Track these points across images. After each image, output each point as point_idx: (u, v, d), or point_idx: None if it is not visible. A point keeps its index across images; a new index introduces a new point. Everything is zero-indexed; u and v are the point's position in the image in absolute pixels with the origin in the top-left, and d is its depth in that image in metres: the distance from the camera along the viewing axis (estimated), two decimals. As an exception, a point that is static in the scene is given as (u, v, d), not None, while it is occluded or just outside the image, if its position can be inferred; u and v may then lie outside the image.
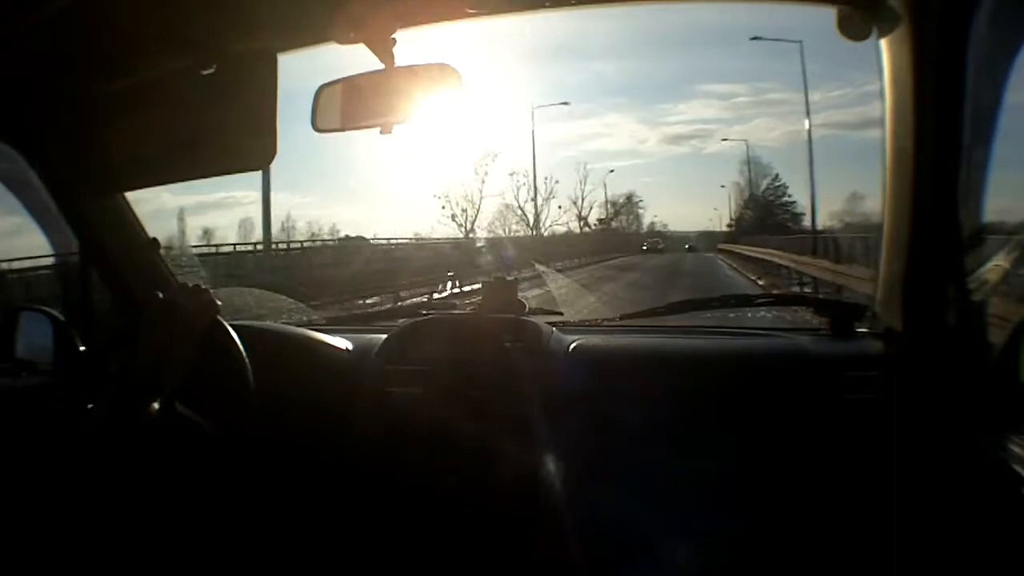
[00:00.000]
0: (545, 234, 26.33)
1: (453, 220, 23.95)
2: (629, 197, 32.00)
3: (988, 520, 0.87)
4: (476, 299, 1.37)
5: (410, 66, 1.03)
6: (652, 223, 32.08)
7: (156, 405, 0.88)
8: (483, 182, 25.34)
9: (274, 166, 0.99)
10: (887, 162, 1.04)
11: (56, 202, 1.23)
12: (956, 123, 0.95)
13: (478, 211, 25.19)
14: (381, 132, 1.08)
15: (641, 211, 32.07)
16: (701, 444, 1.08)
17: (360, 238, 19.97)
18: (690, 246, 27.44)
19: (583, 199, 30.13)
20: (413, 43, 1.05)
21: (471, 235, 24.36)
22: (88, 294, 1.29)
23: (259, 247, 14.39)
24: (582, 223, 29.40)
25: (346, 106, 1.09)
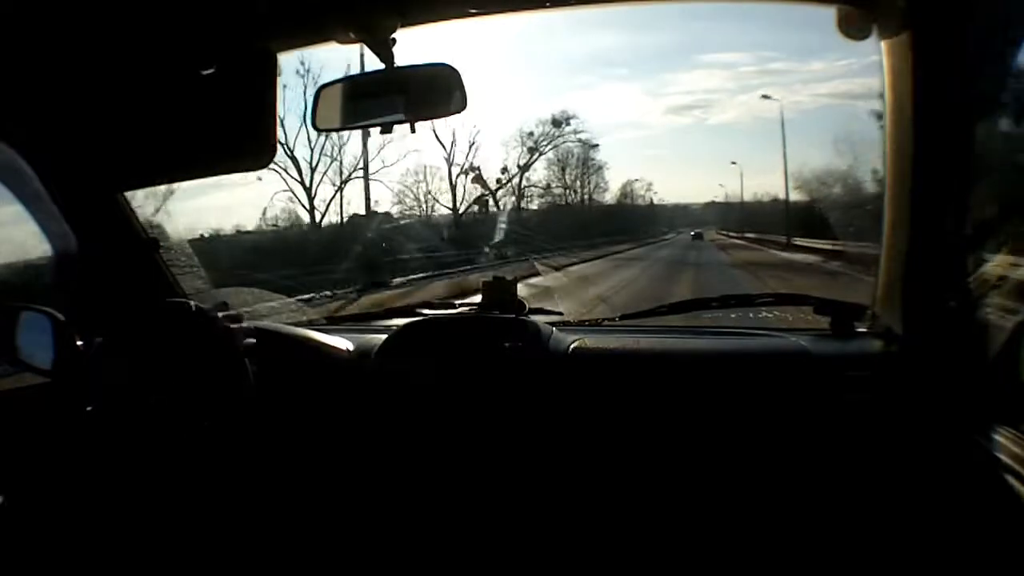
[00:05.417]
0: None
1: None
2: (575, 137, 17.41)
3: (987, 519, 0.88)
4: (476, 299, 1.37)
5: (410, 66, 1.03)
6: (628, 189, 19.95)
7: (155, 404, 0.88)
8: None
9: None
10: (887, 162, 1.04)
11: (56, 202, 1.22)
12: (956, 123, 0.95)
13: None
14: (381, 132, 1.08)
15: (596, 160, 18.41)
16: (701, 444, 1.08)
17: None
18: (696, 232, 18.20)
19: (472, 146, 15.15)
20: (413, 43, 1.05)
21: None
22: (88, 294, 1.29)
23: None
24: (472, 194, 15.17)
25: (346, 106, 1.09)
